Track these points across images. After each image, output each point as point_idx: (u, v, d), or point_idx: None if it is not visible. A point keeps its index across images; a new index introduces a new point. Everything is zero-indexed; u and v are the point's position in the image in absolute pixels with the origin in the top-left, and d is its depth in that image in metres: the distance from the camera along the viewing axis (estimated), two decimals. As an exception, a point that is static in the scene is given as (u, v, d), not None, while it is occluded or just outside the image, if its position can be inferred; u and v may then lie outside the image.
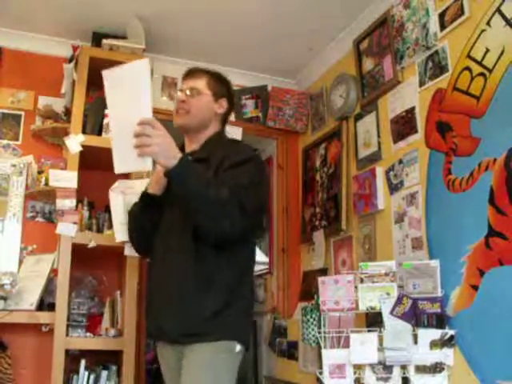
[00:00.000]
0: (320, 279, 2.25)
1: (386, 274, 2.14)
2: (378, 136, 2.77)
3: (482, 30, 2.14)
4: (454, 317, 2.10)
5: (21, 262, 2.83)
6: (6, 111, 3.05)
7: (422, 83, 2.47)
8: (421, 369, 2.02)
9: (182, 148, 1.85)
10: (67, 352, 2.58)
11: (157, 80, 3.30)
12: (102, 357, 2.73)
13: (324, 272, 3.07)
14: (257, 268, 4.03)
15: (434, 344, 2.02)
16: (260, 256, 4.12)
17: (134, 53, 2.96)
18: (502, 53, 2.03)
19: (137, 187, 2.45)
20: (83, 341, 2.65)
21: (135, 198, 1.90)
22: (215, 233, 1.60)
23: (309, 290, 3.12)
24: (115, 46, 2.98)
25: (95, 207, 2.92)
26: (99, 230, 2.83)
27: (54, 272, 2.73)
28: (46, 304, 2.69)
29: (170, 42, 3.22)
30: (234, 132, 3.16)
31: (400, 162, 2.55)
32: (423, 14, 2.45)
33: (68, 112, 2.98)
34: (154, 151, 1.49)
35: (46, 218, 2.99)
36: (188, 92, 1.84)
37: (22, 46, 3.14)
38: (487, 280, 1.99)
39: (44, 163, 2.94)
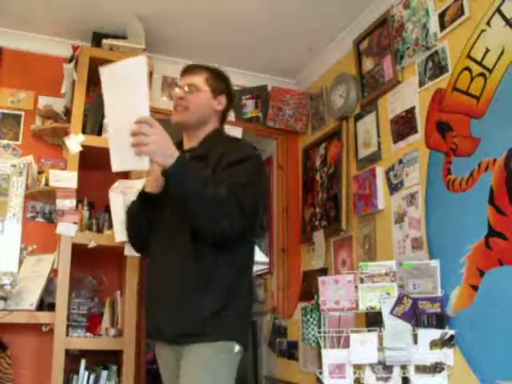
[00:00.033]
0: (320, 279, 2.25)
1: (386, 274, 2.14)
2: (378, 136, 2.77)
3: (482, 30, 2.14)
4: (453, 317, 2.10)
5: (21, 262, 2.83)
6: (6, 111, 3.05)
7: (421, 83, 2.47)
8: (421, 369, 2.02)
9: (180, 145, 1.84)
10: (67, 352, 2.58)
11: (157, 80, 3.30)
12: (102, 357, 2.73)
13: (324, 272, 3.07)
14: (257, 268, 4.03)
15: (433, 344, 2.02)
16: (260, 256, 4.12)
17: (134, 53, 2.95)
18: (501, 53, 2.03)
19: (137, 187, 2.43)
20: (83, 341, 2.65)
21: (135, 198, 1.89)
22: (214, 233, 1.59)
23: (309, 290, 3.12)
24: (115, 46, 2.98)
25: (95, 207, 2.92)
26: (99, 230, 2.83)
27: (54, 272, 2.73)
28: (46, 304, 2.69)
29: (170, 41, 3.22)
30: (234, 132, 3.16)
31: (400, 162, 2.55)
32: (423, 14, 2.45)
33: (68, 112, 2.98)
34: (151, 150, 1.46)
35: (46, 218, 2.99)
36: (186, 88, 1.80)
37: (22, 45, 3.14)
38: (487, 280, 1.99)
39: (44, 163, 2.94)
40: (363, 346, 2.07)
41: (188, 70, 1.87)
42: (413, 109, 2.51)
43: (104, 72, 1.55)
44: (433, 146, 2.36)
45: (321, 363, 2.15)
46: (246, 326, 1.76)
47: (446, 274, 2.08)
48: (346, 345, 2.11)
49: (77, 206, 2.74)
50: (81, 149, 2.77)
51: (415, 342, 2.04)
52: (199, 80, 1.83)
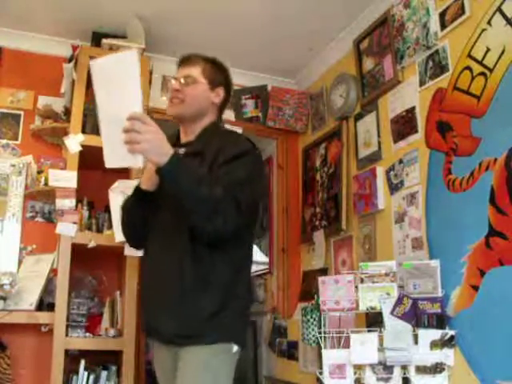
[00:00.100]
0: (320, 279, 2.25)
1: (387, 274, 2.14)
2: (378, 136, 2.77)
3: (483, 30, 2.13)
4: (454, 317, 2.09)
5: (20, 262, 2.83)
6: (5, 111, 3.05)
7: (422, 83, 2.46)
8: (421, 369, 2.02)
9: (177, 138, 1.81)
10: (67, 352, 2.57)
11: (157, 80, 3.29)
12: (102, 357, 2.73)
13: (324, 272, 3.07)
14: (257, 268, 4.03)
15: (434, 344, 2.02)
16: (260, 256, 4.12)
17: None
18: (502, 52, 2.03)
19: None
20: (83, 341, 2.64)
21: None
22: (208, 231, 1.55)
23: (309, 290, 3.11)
24: (115, 46, 2.97)
25: (95, 207, 2.92)
26: (99, 230, 2.83)
27: (53, 272, 2.72)
28: (45, 304, 2.68)
29: (169, 42, 3.21)
30: (234, 132, 3.16)
31: (400, 161, 2.54)
32: (423, 13, 2.45)
33: (67, 112, 2.97)
34: (144, 148, 1.43)
35: (45, 218, 2.99)
36: (182, 80, 1.75)
37: (22, 45, 3.14)
38: (487, 280, 1.98)
39: (43, 163, 2.94)
40: (363, 347, 2.06)
41: (185, 61, 1.81)
42: (413, 108, 2.50)
43: (95, 66, 1.50)
44: (433, 146, 2.35)
45: (321, 363, 2.15)
46: (244, 326, 1.73)
47: (446, 274, 2.08)
48: (347, 345, 2.11)
49: (76, 206, 2.73)
50: (80, 148, 2.76)
51: (415, 342, 2.04)
52: (196, 71, 1.77)
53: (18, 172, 2.94)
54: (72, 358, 2.67)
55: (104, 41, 2.97)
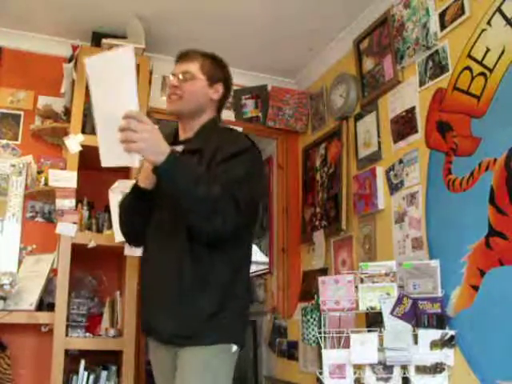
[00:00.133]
0: (320, 279, 2.25)
1: (386, 274, 2.14)
2: (378, 136, 2.77)
3: (483, 30, 2.13)
4: (454, 317, 2.09)
5: (20, 262, 2.83)
6: (5, 111, 3.05)
7: (422, 83, 2.46)
8: (421, 369, 2.02)
9: (174, 136, 1.80)
10: (67, 352, 2.58)
11: (157, 80, 3.29)
12: (102, 357, 2.73)
13: (324, 272, 3.07)
14: (257, 268, 4.03)
15: (434, 344, 2.02)
16: (260, 256, 4.12)
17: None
18: (502, 52, 2.03)
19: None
20: (83, 341, 2.64)
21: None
22: (207, 231, 1.53)
23: (309, 290, 3.11)
24: (115, 46, 2.97)
25: (95, 207, 2.92)
26: (99, 230, 2.83)
27: (53, 272, 2.72)
28: (45, 304, 2.68)
29: (169, 42, 3.21)
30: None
31: (400, 161, 2.54)
32: (423, 13, 2.45)
33: (68, 112, 2.97)
34: (140, 147, 1.40)
35: (45, 218, 2.99)
36: (181, 76, 1.73)
37: (22, 45, 3.14)
38: (487, 280, 1.98)
39: (43, 163, 2.93)
40: (363, 347, 2.06)
41: (183, 57, 1.79)
42: (413, 108, 2.50)
43: (90, 63, 1.47)
44: (433, 146, 2.35)
45: (321, 363, 2.15)
46: (243, 326, 1.72)
47: (446, 274, 2.08)
48: (347, 345, 2.11)
49: (76, 206, 2.73)
50: (80, 148, 2.76)
51: (415, 342, 2.04)
52: (194, 67, 1.75)
53: (18, 172, 2.94)
54: (72, 358, 2.67)
55: (104, 41, 2.96)
